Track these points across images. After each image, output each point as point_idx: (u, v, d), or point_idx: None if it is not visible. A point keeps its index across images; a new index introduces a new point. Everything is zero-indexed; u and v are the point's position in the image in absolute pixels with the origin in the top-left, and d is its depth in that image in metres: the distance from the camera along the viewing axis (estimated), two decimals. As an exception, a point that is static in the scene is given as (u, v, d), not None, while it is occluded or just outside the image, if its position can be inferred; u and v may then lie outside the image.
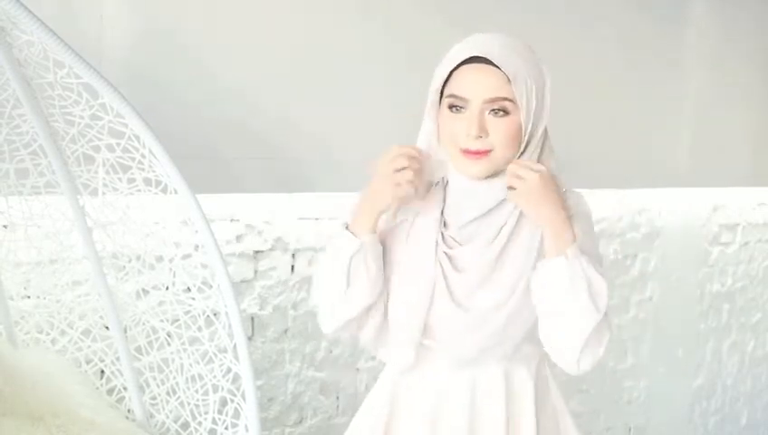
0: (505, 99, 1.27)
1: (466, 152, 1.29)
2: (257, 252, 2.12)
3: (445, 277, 1.33)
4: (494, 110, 1.27)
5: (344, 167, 2.18)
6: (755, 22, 3.24)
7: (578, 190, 1.39)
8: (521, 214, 1.33)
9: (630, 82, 2.82)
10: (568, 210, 1.29)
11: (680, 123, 3.02)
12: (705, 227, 3.28)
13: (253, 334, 2.14)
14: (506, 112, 1.28)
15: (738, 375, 3.53)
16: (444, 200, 1.37)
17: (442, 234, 1.35)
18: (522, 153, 1.32)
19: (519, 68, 1.27)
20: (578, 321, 1.25)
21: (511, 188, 1.28)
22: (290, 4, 2.04)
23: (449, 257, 1.33)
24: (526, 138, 1.30)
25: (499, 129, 1.28)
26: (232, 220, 2.07)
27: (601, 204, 2.82)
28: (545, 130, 1.36)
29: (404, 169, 1.28)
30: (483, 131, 1.28)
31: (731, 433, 3.54)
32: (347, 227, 1.36)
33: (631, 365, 3.09)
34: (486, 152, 1.29)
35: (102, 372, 1.71)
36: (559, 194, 1.28)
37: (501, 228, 1.33)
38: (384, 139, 2.20)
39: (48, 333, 1.69)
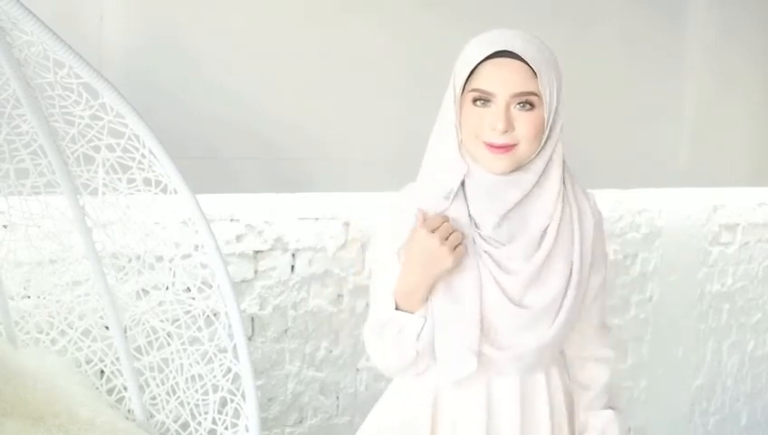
0: (532, 93, 1.28)
1: (491, 147, 1.29)
2: (257, 252, 2.12)
3: (492, 276, 1.33)
4: (520, 103, 1.28)
5: (344, 167, 2.18)
6: (756, 22, 3.24)
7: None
8: (563, 213, 1.35)
9: (630, 82, 2.82)
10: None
11: (680, 123, 3.02)
12: (705, 226, 3.28)
13: (253, 334, 2.14)
14: (532, 106, 1.29)
15: (738, 375, 3.53)
16: (466, 201, 1.35)
17: (478, 234, 1.34)
18: (542, 148, 1.33)
19: (541, 62, 1.28)
20: None
21: None
22: (290, 4, 2.04)
23: (491, 256, 1.33)
24: (547, 132, 1.32)
25: (525, 123, 1.29)
26: (232, 220, 2.07)
27: (601, 204, 2.82)
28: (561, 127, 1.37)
29: (453, 232, 1.31)
30: (510, 126, 1.28)
31: (731, 433, 3.54)
32: (396, 308, 1.34)
33: (631, 365, 3.09)
34: (512, 147, 1.29)
35: (102, 372, 1.71)
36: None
37: (545, 229, 1.34)
38: (384, 138, 2.21)
39: (48, 334, 1.69)
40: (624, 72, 2.80)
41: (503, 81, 1.28)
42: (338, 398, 2.31)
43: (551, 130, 1.32)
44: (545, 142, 1.33)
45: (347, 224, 2.26)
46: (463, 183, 1.35)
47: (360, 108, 2.19)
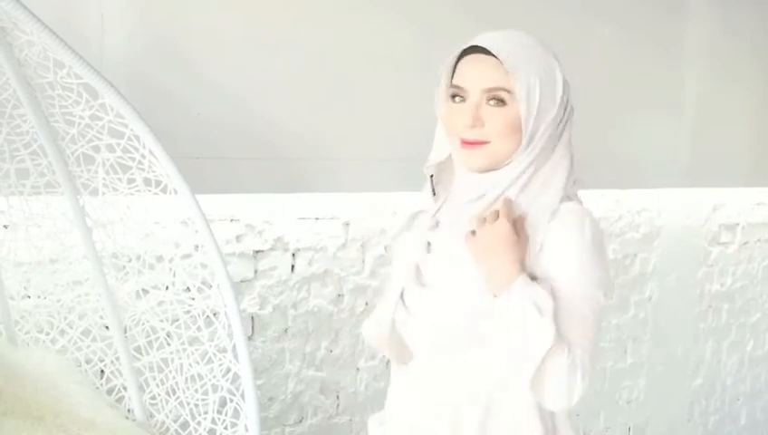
0: (502, 89, 1.25)
1: (464, 142, 1.28)
2: (257, 252, 2.13)
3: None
4: (492, 99, 1.26)
5: (344, 167, 2.18)
6: (756, 21, 3.24)
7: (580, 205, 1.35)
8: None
9: (630, 81, 2.82)
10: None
11: (680, 123, 3.03)
12: (704, 226, 3.29)
13: (253, 334, 2.14)
14: (503, 102, 1.26)
15: (737, 375, 3.54)
16: (444, 200, 1.37)
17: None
18: (525, 148, 1.28)
19: (520, 60, 1.25)
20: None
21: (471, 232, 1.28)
22: (289, 5, 2.05)
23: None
24: (528, 133, 1.27)
25: (495, 119, 1.26)
26: (232, 220, 2.07)
27: (601, 204, 2.82)
28: (560, 131, 1.31)
29: None
30: (477, 121, 1.26)
31: (730, 433, 3.54)
32: None
33: (630, 365, 3.09)
34: (483, 143, 1.27)
35: (102, 371, 1.71)
36: (514, 250, 1.24)
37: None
38: (384, 139, 2.22)
39: (48, 333, 1.69)
40: (623, 71, 2.80)
41: (473, 76, 1.27)
42: (338, 397, 2.31)
43: (534, 131, 1.27)
44: (527, 144, 1.28)
45: (347, 224, 2.26)
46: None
47: (360, 108, 2.19)
